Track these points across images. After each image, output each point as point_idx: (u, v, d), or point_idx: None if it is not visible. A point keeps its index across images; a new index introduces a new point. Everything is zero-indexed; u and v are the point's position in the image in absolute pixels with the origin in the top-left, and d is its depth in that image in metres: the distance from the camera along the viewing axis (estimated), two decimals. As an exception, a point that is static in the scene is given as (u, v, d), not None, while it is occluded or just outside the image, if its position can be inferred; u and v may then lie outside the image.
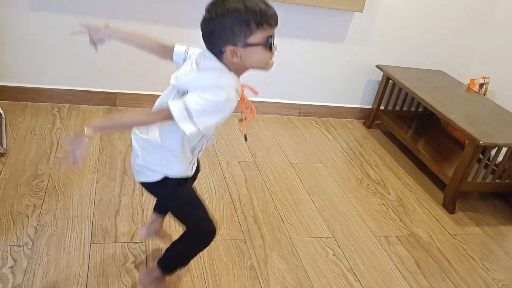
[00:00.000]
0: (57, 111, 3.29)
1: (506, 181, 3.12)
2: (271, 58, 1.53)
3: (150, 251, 2.23)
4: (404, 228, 2.80)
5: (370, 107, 4.07)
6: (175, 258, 1.92)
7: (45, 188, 2.51)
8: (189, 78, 1.52)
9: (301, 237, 2.55)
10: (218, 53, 1.49)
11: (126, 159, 2.88)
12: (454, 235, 2.84)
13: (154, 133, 1.62)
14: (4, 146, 2.74)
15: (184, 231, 1.86)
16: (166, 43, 1.75)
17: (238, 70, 1.54)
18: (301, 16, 3.53)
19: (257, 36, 1.45)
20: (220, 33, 1.45)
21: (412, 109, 4.04)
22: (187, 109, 1.43)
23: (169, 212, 2.13)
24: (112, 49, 3.22)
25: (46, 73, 3.29)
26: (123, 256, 2.17)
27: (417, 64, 4.00)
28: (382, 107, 3.95)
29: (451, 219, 2.98)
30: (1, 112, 3.02)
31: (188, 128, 1.44)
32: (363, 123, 4.08)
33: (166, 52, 1.74)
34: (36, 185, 2.51)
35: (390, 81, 3.77)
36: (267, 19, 1.44)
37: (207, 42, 1.51)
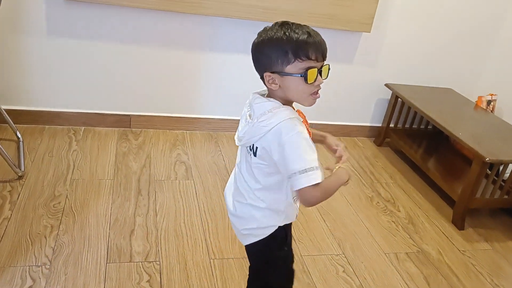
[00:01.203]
0: (73, 133, 3.38)
1: (515, 197, 3.16)
2: (311, 94, 1.48)
3: (164, 269, 2.29)
4: (413, 245, 2.84)
5: (380, 125, 4.12)
6: None
7: (62, 209, 2.58)
8: (248, 134, 1.50)
9: (311, 254, 2.60)
10: (262, 78, 1.50)
11: (141, 180, 2.96)
12: (463, 251, 2.87)
13: (259, 197, 1.58)
14: (22, 168, 2.83)
15: None
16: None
17: (285, 101, 1.50)
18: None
19: (294, 66, 1.41)
20: (260, 59, 1.47)
21: (422, 126, 4.09)
22: (300, 171, 1.39)
23: None
24: (125, 72, 3.33)
25: (62, 97, 3.38)
26: (138, 275, 2.23)
27: (425, 82, 4.06)
28: (392, 125, 3.99)
29: (461, 236, 3.01)
30: (19, 136, 3.11)
31: (314, 179, 1.40)
32: (374, 141, 4.13)
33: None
34: (54, 206, 2.59)
35: (399, 99, 3.82)
36: (305, 50, 1.40)
37: (255, 67, 1.52)
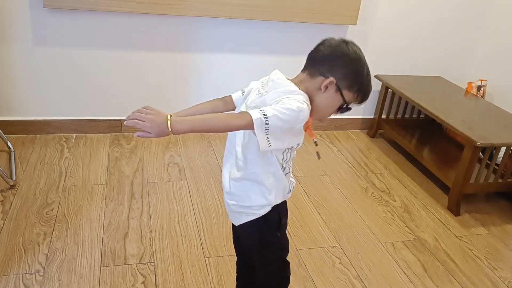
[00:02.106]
0: (65, 141, 3.37)
1: (509, 180, 3.15)
2: (327, 116, 1.58)
3: (159, 270, 2.29)
4: (410, 233, 2.83)
5: (372, 117, 4.12)
6: None
7: (55, 216, 2.58)
8: (259, 101, 1.49)
9: (307, 248, 2.59)
10: (312, 73, 1.51)
11: (134, 183, 2.96)
12: (460, 237, 2.86)
13: (251, 166, 1.56)
14: (14, 178, 2.82)
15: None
16: (222, 99, 1.75)
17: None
18: (298, 33, 3.61)
19: (348, 95, 1.51)
20: (337, 66, 1.49)
21: (414, 116, 4.09)
22: (264, 115, 1.36)
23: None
24: (114, 77, 3.32)
25: (52, 105, 3.38)
26: (133, 277, 2.23)
27: (415, 71, 4.05)
28: (384, 116, 3.99)
29: (457, 222, 3.01)
30: (10, 146, 3.11)
31: (261, 140, 1.39)
32: (367, 133, 4.12)
33: (226, 104, 1.73)
34: (46, 214, 2.59)
35: (390, 90, 3.82)
36: (363, 97, 1.55)
37: (321, 63, 1.52)
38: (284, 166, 1.60)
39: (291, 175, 1.68)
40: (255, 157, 1.55)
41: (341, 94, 1.51)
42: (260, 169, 1.56)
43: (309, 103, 1.49)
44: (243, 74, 3.65)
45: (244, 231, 1.72)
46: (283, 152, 1.56)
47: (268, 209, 1.62)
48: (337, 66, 1.49)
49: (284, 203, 1.70)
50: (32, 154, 3.15)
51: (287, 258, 1.81)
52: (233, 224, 1.76)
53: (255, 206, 1.61)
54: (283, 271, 1.83)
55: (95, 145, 3.37)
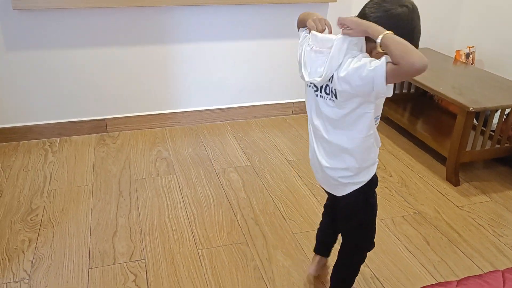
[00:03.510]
0: (49, 145, 3.28)
1: (506, 145, 3.06)
2: None
3: (150, 267, 2.20)
4: (409, 208, 2.74)
5: (362, 94, 4.02)
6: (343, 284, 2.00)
7: (40, 221, 2.49)
8: (330, 62, 1.47)
9: (304, 231, 2.51)
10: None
11: (121, 181, 2.86)
12: (461, 206, 2.78)
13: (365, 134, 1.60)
14: (-4, 187, 2.73)
15: (344, 251, 1.95)
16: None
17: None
18: (279, 15, 3.52)
19: None
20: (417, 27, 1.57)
21: (404, 90, 4.00)
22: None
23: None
24: (93, 76, 3.23)
25: (33, 110, 3.28)
26: (123, 276, 2.14)
27: (402, 44, 3.96)
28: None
29: (457, 192, 2.92)
30: (-9, 155, 3.02)
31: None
32: (358, 112, 4.03)
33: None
34: (31, 220, 2.49)
35: (377, 65, 3.73)
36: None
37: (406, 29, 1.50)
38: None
39: None
40: (366, 124, 1.57)
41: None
42: (372, 137, 1.63)
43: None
44: (228, 61, 3.55)
45: (349, 200, 1.75)
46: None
47: (373, 173, 1.71)
48: (416, 28, 1.61)
49: None
50: (15, 161, 3.05)
51: None
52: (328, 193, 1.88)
53: (361, 173, 1.69)
54: (374, 230, 1.92)
55: (80, 147, 3.28)
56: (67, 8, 3.02)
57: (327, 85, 1.55)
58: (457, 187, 2.97)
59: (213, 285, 2.11)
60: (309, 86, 1.63)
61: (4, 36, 3.03)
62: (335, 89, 1.51)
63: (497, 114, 2.97)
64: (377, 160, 1.73)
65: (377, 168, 2.99)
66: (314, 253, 2.21)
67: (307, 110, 1.72)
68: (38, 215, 2.53)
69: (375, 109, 1.54)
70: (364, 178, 1.70)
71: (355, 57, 1.46)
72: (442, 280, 2.19)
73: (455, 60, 3.71)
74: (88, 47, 3.21)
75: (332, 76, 1.49)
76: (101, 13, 3.14)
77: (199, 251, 2.32)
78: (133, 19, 3.22)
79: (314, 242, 2.40)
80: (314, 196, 2.80)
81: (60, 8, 3.01)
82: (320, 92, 1.58)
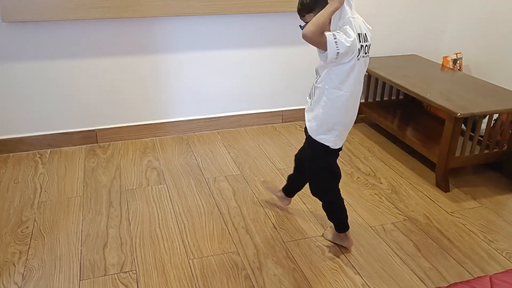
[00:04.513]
0: (39, 157, 3.27)
1: (495, 150, 3.08)
2: None
3: (141, 277, 2.19)
4: (399, 214, 2.75)
5: (352, 102, 4.04)
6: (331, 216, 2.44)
7: (31, 233, 2.48)
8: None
9: (295, 239, 2.51)
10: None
11: (111, 192, 2.86)
12: (451, 212, 2.79)
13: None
14: (-14, 199, 2.72)
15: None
16: None
17: None
18: (268, 24, 3.53)
19: None
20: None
21: (393, 97, 4.02)
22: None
23: None
24: (83, 87, 3.23)
25: (22, 122, 3.28)
26: (114, 287, 2.13)
27: (390, 52, 3.99)
28: (363, 101, 3.92)
29: (447, 197, 2.94)
30: (-20, 167, 3.01)
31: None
32: (348, 119, 4.04)
33: None
34: (21, 232, 2.48)
35: (366, 73, 3.74)
36: None
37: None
38: None
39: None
40: None
41: None
42: None
43: None
44: (217, 70, 3.56)
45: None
46: None
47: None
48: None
49: None
50: (5, 174, 3.04)
51: None
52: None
53: None
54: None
55: (70, 158, 3.27)
56: (56, 20, 3.02)
57: (366, 45, 2.04)
58: (447, 193, 2.98)
59: (204, 295, 2.12)
60: (358, 56, 2.04)
61: (-7, 48, 3.03)
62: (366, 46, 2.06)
63: (486, 120, 2.99)
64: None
65: (367, 175, 3.02)
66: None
67: (355, 87, 2.15)
68: (29, 227, 2.52)
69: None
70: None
71: None
72: (433, 287, 2.20)
73: (443, 66, 3.73)
74: (78, 58, 3.22)
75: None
76: (90, 25, 3.14)
77: (190, 261, 2.32)
78: (123, 29, 3.22)
79: (305, 250, 2.42)
80: (305, 204, 2.81)
81: (49, 20, 3.01)
82: (364, 53, 2.06)
